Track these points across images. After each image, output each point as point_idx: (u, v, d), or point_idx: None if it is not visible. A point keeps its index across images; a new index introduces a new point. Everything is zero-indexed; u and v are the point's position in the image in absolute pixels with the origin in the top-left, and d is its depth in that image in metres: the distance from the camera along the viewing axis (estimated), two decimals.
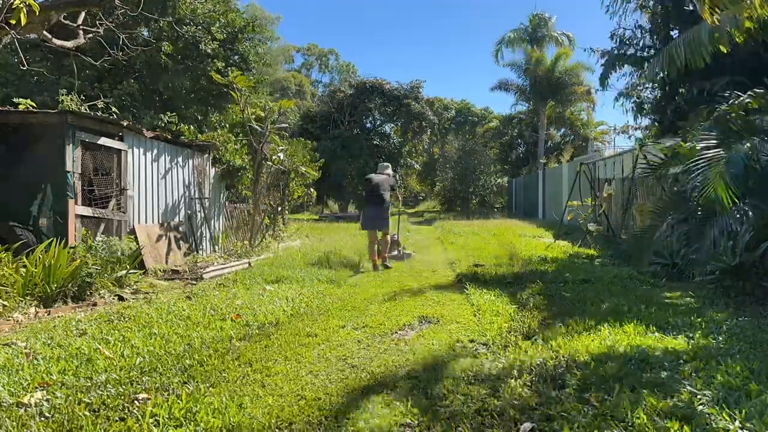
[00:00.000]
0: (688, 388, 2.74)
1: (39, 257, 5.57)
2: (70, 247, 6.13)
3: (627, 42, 11.69)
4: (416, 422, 2.62)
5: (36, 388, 3.00)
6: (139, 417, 2.65)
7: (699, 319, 4.30)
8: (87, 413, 2.67)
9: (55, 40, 6.89)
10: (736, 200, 5.09)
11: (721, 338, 3.76)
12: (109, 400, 2.85)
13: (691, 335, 3.83)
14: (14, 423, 2.54)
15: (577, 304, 5.13)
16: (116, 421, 2.63)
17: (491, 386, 3.00)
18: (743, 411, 2.43)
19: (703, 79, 9.13)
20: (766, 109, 5.63)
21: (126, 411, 2.73)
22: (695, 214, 5.84)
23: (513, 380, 3.01)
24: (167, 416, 2.65)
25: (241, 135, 13.16)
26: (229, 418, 2.63)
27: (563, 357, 3.40)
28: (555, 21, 28.79)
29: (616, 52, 11.84)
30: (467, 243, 11.59)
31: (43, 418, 2.62)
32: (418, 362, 3.50)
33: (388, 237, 8.75)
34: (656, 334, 3.93)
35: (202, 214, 10.04)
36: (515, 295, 5.68)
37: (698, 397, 2.63)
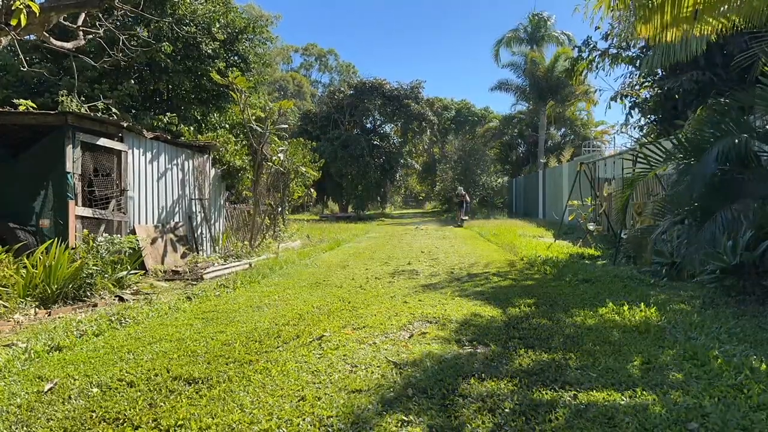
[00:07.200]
0: None
1: (39, 258, 5.57)
2: (71, 248, 6.14)
3: (622, 46, 11.82)
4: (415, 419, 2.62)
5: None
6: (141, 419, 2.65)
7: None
8: (86, 414, 2.68)
9: (54, 41, 6.89)
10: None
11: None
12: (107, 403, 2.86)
13: None
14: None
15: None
16: (112, 422, 2.63)
17: None
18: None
19: (696, 69, 9.31)
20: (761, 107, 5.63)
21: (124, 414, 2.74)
22: (695, 213, 5.83)
23: None
24: (169, 417, 2.66)
25: (241, 135, 13.18)
26: (230, 419, 2.63)
27: None
28: (554, 20, 28.89)
29: (613, 51, 11.95)
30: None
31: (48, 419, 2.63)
32: None
33: None
34: None
35: (202, 215, 10.05)
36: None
37: None
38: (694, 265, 5.73)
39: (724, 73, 9.65)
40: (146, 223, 8.32)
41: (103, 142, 7.32)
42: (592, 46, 12.39)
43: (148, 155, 8.45)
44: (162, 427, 2.56)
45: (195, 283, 7.14)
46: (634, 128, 13.38)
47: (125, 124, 7.81)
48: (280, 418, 2.67)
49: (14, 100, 8.07)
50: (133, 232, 7.79)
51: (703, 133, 5.78)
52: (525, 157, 31.92)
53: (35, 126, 6.83)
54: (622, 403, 2.74)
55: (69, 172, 6.70)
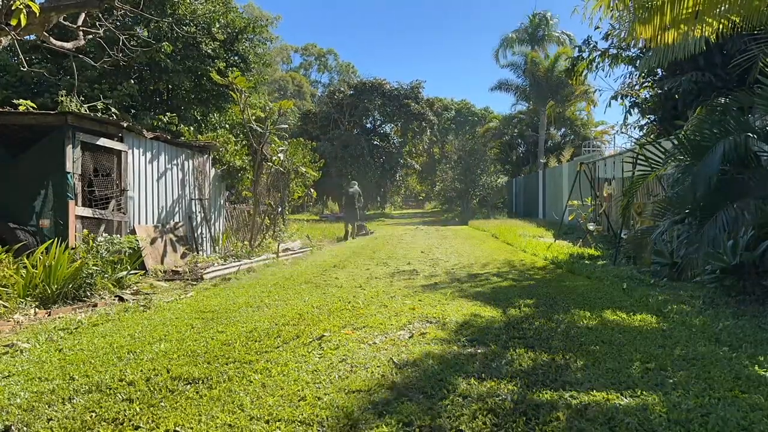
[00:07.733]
0: None
1: (39, 258, 5.57)
2: (71, 248, 6.13)
3: (622, 46, 11.85)
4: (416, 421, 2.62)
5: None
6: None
7: None
8: (86, 416, 2.68)
9: (54, 41, 6.89)
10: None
11: None
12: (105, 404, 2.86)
13: None
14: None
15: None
16: (112, 422, 2.63)
17: None
18: None
19: (695, 70, 9.37)
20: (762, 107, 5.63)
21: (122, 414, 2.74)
22: (695, 213, 5.84)
23: None
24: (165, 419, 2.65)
25: (241, 135, 13.18)
26: (230, 419, 2.63)
27: None
28: (556, 21, 28.95)
29: (613, 51, 11.98)
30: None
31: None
32: None
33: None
34: None
35: (202, 215, 10.04)
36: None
37: None
38: (694, 265, 5.74)
39: (723, 74, 9.67)
40: (146, 223, 8.32)
41: (103, 142, 7.31)
42: (592, 45, 12.41)
43: (148, 155, 8.44)
44: (162, 427, 2.56)
45: (195, 283, 7.13)
46: (634, 128, 13.41)
47: (125, 124, 7.81)
48: (281, 419, 2.67)
49: (14, 100, 8.07)
50: (133, 232, 7.79)
51: (703, 133, 5.79)
52: (525, 157, 31.91)
53: (35, 126, 6.82)
54: (623, 403, 2.74)
55: (69, 172, 6.70)
